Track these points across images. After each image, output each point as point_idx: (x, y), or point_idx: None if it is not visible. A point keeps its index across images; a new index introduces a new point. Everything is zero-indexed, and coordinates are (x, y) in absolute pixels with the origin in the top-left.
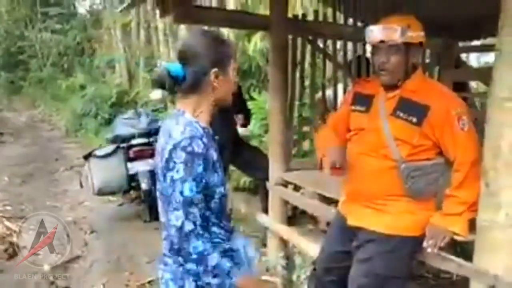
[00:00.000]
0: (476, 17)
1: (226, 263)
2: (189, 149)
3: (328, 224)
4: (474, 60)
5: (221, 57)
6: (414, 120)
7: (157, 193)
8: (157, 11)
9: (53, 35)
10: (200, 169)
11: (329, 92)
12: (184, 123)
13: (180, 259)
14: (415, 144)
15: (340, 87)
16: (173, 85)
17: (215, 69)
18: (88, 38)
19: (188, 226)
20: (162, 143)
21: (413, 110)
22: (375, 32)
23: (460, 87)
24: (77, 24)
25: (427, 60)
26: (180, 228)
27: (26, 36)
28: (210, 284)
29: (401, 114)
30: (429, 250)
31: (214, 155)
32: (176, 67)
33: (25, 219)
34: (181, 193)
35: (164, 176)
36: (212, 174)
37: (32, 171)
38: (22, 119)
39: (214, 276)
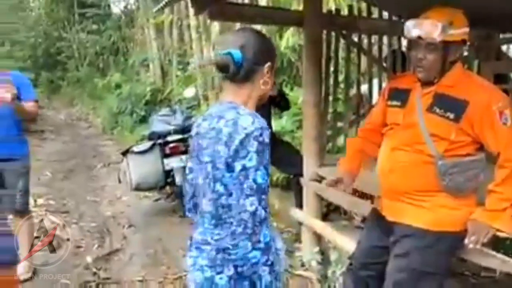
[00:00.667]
0: None
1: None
2: (260, 139)
3: (363, 219)
4: None
5: (273, 55)
6: (452, 116)
7: (198, 180)
8: (191, 9)
9: (90, 36)
10: (267, 158)
11: (364, 87)
12: (249, 114)
13: (248, 244)
14: (453, 140)
15: (375, 82)
16: (236, 70)
17: (268, 63)
18: (123, 38)
19: (261, 213)
20: (215, 134)
21: (450, 106)
22: (413, 28)
23: (501, 80)
24: (112, 24)
25: (466, 53)
26: (254, 214)
27: (64, 37)
28: (261, 275)
29: (438, 110)
30: (471, 246)
31: None
32: (237, 52)
33: (68, 213)
34: (255, 180)
35: (229, 164)
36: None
37: (72, 167)
38: (61, 117)
39: (271, 264)
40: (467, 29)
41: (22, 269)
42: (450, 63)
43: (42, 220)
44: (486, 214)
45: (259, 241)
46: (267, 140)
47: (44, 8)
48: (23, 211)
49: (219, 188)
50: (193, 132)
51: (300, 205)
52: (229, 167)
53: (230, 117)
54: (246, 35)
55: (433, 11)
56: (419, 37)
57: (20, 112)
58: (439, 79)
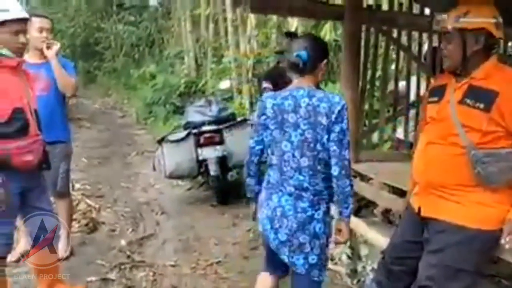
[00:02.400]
0: None
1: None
2: (346, 109)
3: (384, 212)
4: None
5: (327, 53)
6: (482, 106)
7: (281, 145)
8: (228, 2)
9: (127, 27)
10: None
11: (401, 84)
12: (332, 93)
13: (347, 181)
14: (485, 131)
15: (413, 79)
16: (304, 66)
17: (325, 60)
18: (159, 30)
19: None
20: (311, 108)
21: (480, 97)
22: (436, 21)
23: None
24: (148, 16)
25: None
26: (349, 161)
27: (102, 27)
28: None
29: (468, 101)
30: (507, 246)
31: None
32: (304, 54)
33: (103, 197)
34: (348, 139)
35: (330, 128)
36: None
37: (107, 154)
38: (96, 106)
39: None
40: (489, 20)
41: (61, 248)
42: (484, 54)
43: (79, 203)
44: None
45: (349, 176)
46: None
47: None
48: (63, 193)
49: (319, 147)
50: (268, 111)
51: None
52: (328, 131)
53: (320, 95)
54: (308, 40)
55: (460, 5)
56: (441, 29)
57: (60, 76)
58: (466, 70)
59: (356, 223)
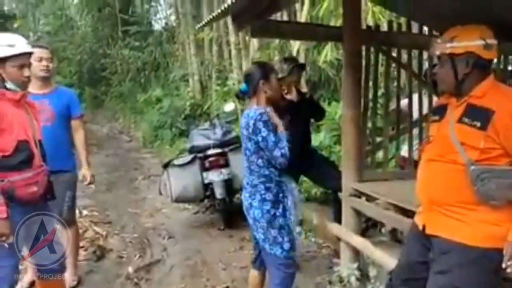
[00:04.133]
0: None
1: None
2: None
3: (391, 231)
4: None
5: (263, 75)
6: (478, 124)
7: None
8: (231, 26)
9: (132, 52)
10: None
11: (403, 102)
12: (253, 108)
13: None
14: (482, 149)
15: (415, 97)
16: (245, 94)
17: (261, 80)
18: (164, 54)
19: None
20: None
21: (477, 115)
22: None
23: None
24: (153, 41)
25: (510, 68)
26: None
27: (108, 53)
28: (270, 188)
29: (466, 120)
30: (509, 270)
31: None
32: (243, 86)
33: (110, 223)
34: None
35: (249, 139)
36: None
37: (115, 180)
38: (104, 131)
39: (271, 182)
40: (476, 43)
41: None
42: (482, 74)
43: (86, 230)
44: None
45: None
46: (265, 118)
47: (90, 26)
48: (69, 221)
49: (248, 153)
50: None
51: (338, 221)
52: (250, 140)
53: (245, 113)
54: (248, 72)
55: (449, 30)
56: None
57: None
58: (462, 91)
59: (363, 243)
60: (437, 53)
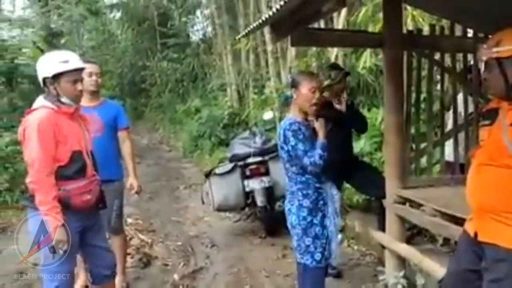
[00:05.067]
0: None
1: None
2: (290, 129)
3: (448, 242)
4: None
5: (296, 84)
6: None
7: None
8: (267, 35)
9: (171, 64)
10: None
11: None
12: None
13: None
14: None
15: (459, 102)
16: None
17: (293, 90)
18: (201, 65)
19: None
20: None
21: None
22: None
23: None
24: (191, 52)
25: None
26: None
27: (147, 66)
28: (309, 195)
29: None
30: None
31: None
32: (287, 94)
33: (155, 232)
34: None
35: (282, 147)
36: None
37: (157, 189)
38: (144, 142)
39: (309, 189)
40: None
41: (117, 283)
42: None
43: (132, 238)
44: None
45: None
46: (294, 127)
47: (130, 40)
48: (118, 229)
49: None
50: None
51: (382, 228)
52: (282, 149)
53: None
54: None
55: (495, 33)
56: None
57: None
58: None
59: (409, 251)
60: (484, 58)
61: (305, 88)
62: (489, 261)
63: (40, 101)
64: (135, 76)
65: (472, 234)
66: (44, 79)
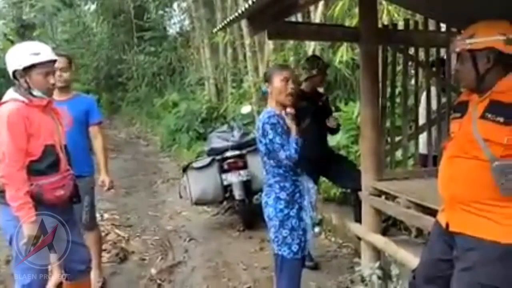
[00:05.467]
0: None
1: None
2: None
3: (422, 233)
4: None
5: (269, 78)
6: (501, 120)
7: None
8: (245, 29)
9: (148, 57)
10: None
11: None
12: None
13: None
14: (506, 144)
15: (433, 95)
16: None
17: (267, 84)
18: (179, 58)
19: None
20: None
21: (500, 111)
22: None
23: None
24: (168, 46)
25: None
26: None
27: (124, 59)
28: (286, 187)
29: (489, 116)
30: None
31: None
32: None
33: (132, 227)
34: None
35: (260, 140)
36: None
37: (134, 184)
38: (121, 136)
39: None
40: (496, 38)
41: (93, 279)
42: (489, 70)
43: (108, 234)
44: None
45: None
46: (273, 120)
47: (106, 33)
48: (90, 226)
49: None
50: None
51: (358, 220)
52: (260, 142)
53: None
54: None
55: (469, 26)
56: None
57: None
58: (484, 87)
59: (385, 242)
60: (457, 50)
61: (277, 79)
62: (459, 250)
63: (10, 94)
64: (111, 69)
65: (443, 224)
66: (14, 72)
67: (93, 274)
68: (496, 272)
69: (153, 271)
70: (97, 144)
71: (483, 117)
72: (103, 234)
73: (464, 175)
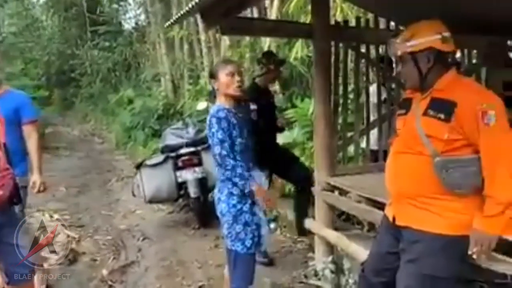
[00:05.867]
0: None
1: (245, 172)
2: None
3: (374, 227)
4: None
5: (214, 75)
6: (442, 116)
7: None
8: (201, 24)
9: (102, 52)
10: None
11: (373, 98)
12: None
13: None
14: (447, 140)
15: (383, 92)
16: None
17: (213, 80)
18: (134, 54)
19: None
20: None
21: (441, 107)
22: (388, 49)
23: (510, 87)
24: (123, 41)
25: (474, 61)
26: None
27: (76, 54)
28: (237, 183)
29: (431, 113)
30: (474, 257)
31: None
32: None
33: (83, 227)
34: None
35: (209, 135)
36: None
37: (87, 182)
38: (75, 133)
39: (240, 178)
40: (434, 37)
41: (36, 283)
42: (430, 69)
43: (58, 235)
44: (484, 221)
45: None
46: (221, 114)
47: (57, 26)
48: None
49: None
50: None
51: (302, 214)
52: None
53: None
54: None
55: (406, 28)
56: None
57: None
58: (427, 85)
59: (337, 236)
60: (399, 53)
61: (223, 74)
62: (405, 243)
63: None
64: (63, 65)
65: (390, 218)
66: None
67: (36, 278)
68: (440, 263)
69: (105, 272)
70: (31, 144)
71: (425, 114)
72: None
73: (409, 170)
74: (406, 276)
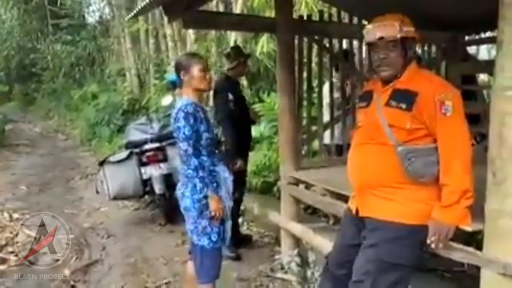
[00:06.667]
0: (483, 10)
1: (207, 176)
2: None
3: (340, 220)
4: (485, 52)
5: (185, 67)
6: (404, 106)
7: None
8: (166, 18)
9: (65, 47)
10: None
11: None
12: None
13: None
14: (409, 129)
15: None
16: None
17: (182, 72)
18: (98, 48)
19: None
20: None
21: (403, 98)
22: (374, 30)
23: (468, 80)
24: (87, 35)
25: (434, 55)
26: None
27: (38, 48)
28: (203, 178)
29: (393, 103)
30: (433, 246)
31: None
32: (173, 77)
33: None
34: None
35: (175, 129)
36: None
37: (49, 180)
38: (37, 130)
39: (200, 181)
40: (414, 28)
41: None
42: (408, 59)
43: (17, 235)
44: (442, 210)
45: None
46: (190, 110)
47: (16, 19)
48: None
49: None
50: None
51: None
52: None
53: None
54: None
55: (385, 16)
56: (381, 38)
57: None
58: (399, 76)
59: (302, 230)
60: (398, 35)
61: (196, 69)
62: (367, 230)
63: None
64: (23, 59)
65: (354, 211)
66: None
67: None
68: (397, 250)
69: (67, 271)
70: None
71: (387, 104)
72: (11, 235)
73: (372, 160)
74: (364, 261)
